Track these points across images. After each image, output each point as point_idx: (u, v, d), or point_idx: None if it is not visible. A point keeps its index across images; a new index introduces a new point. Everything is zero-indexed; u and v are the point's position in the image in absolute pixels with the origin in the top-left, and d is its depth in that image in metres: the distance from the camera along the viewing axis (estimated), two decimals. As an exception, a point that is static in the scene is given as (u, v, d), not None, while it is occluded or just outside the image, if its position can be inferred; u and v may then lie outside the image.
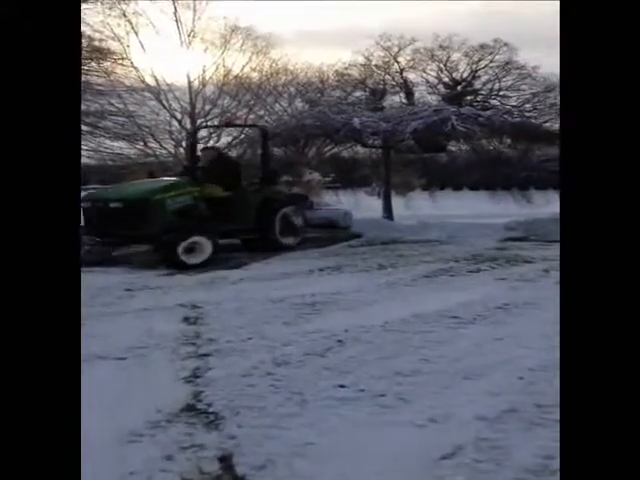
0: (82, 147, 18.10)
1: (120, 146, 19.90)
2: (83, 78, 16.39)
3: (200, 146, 13.59)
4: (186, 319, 5.76)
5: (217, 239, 9.36)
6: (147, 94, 19.54)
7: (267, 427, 3.39)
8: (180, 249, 8.83)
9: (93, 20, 17.28)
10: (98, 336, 5.10)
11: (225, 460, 3.05)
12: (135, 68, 19.52)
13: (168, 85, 20.32)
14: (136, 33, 19.51)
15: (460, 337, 5.07)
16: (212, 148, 12.40)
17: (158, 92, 20.15)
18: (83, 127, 17.31)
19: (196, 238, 9.09)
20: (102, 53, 17.16)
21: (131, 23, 19.35)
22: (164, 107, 20.63)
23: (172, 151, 21.71)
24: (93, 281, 7.70)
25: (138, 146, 20.36)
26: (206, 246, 9.14)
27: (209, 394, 3.86)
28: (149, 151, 20.85)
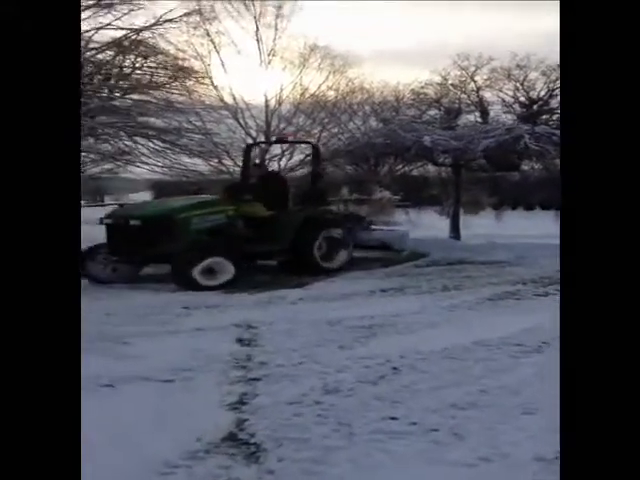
0: (158, 163, 18.37)
1: (195, 163, 20.14)
2: (166, 96, 16.63)
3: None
4: (239, 340, 5.63)
5: (240, 260, 8.97)
6: (225, 112, 19.77)
7: (309, 461, 3.22)
8: (197, 270, 8.48)
9: (177, 40, 17.56)
10: (146, 356, 5.05)
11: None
12: (215, 87, 19.81)
13: (245, 103, 20.56)
14: (218, 52, 19.83)
15: (522, 366, 4.81)
16: (260, 165, 12.00)
17: (235, 110, 20.38)
18: (161, 144, 17.53)
19: (216, 259, 8.71)
20: (185, 72, 17.36)
21: (214, 42, 19.65)
22: (240, 125, 20.86)
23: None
24: (149, 299, 7.72)
25: (212, 163, 20.59)
26: (226, 267, 8.73)
27: (253, 423, 3.71)
28: (223, 168, 21.07)
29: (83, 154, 22.41)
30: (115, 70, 15.31)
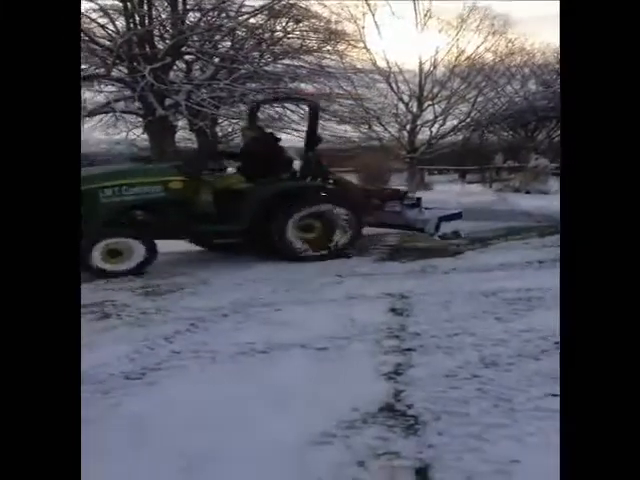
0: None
1: (345, 129, 20.13)
2: (317, 61, 16.66)
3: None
4: (392, 309, 5.55)
5: (153, 242, 7.60)
6: (377, 76, 19.65)
7: (469, 437, 3.09)
8: (96, 253, 7.27)
9: (331, 2, 17.55)
10: (300, 324, 5.06)
11: (421, 473, 2.80)
12: (368, 50, 19.70)
13: (398, 67, 20.36)
14: (372, 14, 19.68)
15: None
16: (251, 127, 9.62)
17: (388, 75, 20.22)
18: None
19: (119, 239, 7.46)
20: (338, 35, 17.33)
21: (369, 4, 19.54)
22: (392, 90, 20.69)
23: (396, 135, 21.74)
24: (299, 267, 7.74)
25: (363, 129, 20.54)
26: (135, 250, 7.49)
27: (409, 394, 3.61)
28: (373, 134, 21.00)
29: (233, 121, 22.92)
30: (266, 35, 15.44)
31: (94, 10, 14.45)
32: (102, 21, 14.52)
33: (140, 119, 16.09)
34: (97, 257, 7.26)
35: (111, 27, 14.55)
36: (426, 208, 9.77)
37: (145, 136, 16.53)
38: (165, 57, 14.22)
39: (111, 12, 14.60)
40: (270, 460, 2.88)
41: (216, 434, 3.14)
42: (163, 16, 15.37)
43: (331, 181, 9.27)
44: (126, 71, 14.38)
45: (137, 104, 14.78)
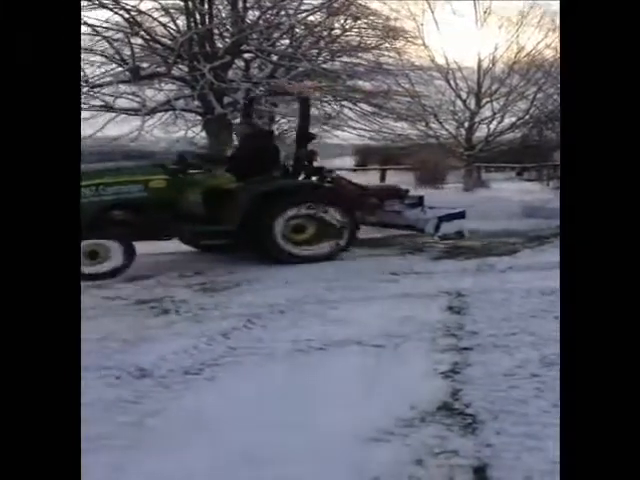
0: (365, 127, 18.42)
1: (402, 126, 20.03)
2: (375, 58, 16.61)
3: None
4: (449, 307, 5.52)
5: (131, 243, 7.36)
6: (435, 73, 19.52)
7: (527, 437, 3.06)
8: None
9: (391, -1, 17.50)
10: (356, 321, 5.07)
11: (479, 472, 2.78)
12: (426, 47, 19.60)
13: (457, 64, 20.22)
14: (432, 11, 19.57)
15: None
16: (245, 123, 9.22)
17: (446, 71, 20.09)
18: (368, 108, 17.52)
19: (95, 241, 7.16)
20: (396, 32, 17.25)
21: (428, 1, 19.43)
22: (450, 87, 20.55)
23: (453, 132, 21.56)
24: (356, 264, 7.75)
25: (420, 127, 20.42)
26: (113, 251, 7.26)
27: (467, 393, 3.59)
28: (430, 132, 20.86)
29: (291, 119, 23.02)
30: (325, 32, 15.47)
31: (156, 9, 14.64)
32: (164, 20, 14.68)
33: (199, 117, 16.24)
34: None
35: (172, 26, 14.71)
36: (430, 207, 9.40)
37: (204, 134, 16.69)
38: (225, 55, 14.31)
39: (172, 11, 14.76)
40: (327, 457, 2.89)
41: (273, 430, 3.16)
42: (223, 14, 15.48)
43: (328, 179, 9.06)
44: (186, 69, 14.53)
45: (196, 102, 14.92)
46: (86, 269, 6.89)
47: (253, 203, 7.77)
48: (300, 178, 8.66)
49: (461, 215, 9.31)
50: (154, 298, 6.12)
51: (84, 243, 6.84)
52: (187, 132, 17.24)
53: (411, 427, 3.18)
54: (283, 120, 24.17)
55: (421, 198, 9.46)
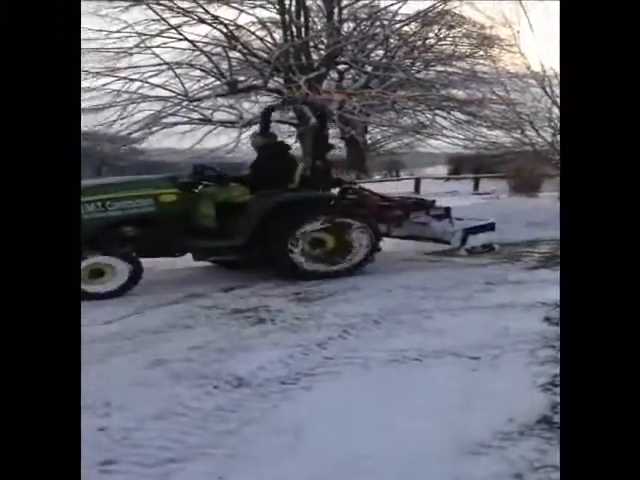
0: (459, 136, 18.28)
1: (497, 134, 19.77)
2: (469, 67, 16.49)
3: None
4: (547, 319, 5.39)
5: (138, 261, 7.05)
6: (531, 80, 19.19)
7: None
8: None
9: (485, 6, 17.39)
10: (451, 331, 5.03)
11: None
12: (522, 54, 19.31)
13: (554, 71, 19.83)
14: (527, 17, 19.28)
15: None
16: (262, 134, 8.73)
17: (542, 78, 19.73)
18: (462, 116, 17.42)
19: (101, 258, 6.89)
20: (490, 40, 17.09)
21: (523, 7, 19.14)
22: (547, 94, 20.14)
23: (549, 140, 21.12)
24: (448, 273, 7.66)
25: (515, 134, 20.10)
26: (119, 269, 6.94)
27: (567, 407, 3.52)
28: (525, 140, 20.48)
29: (384, 128, 23.05)
30: (418, 42, 15.45)
31: (253, 23, 14.96)
32: (260, 34, 14.98)
33: (293, 128, 16.45)
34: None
35: (269, 39, 14.99)
36: (457, 219, 8.91)
37: (297, 145, 16.90)
38: (320, 67, 14.50)
39: (269, 25, 15.04)
40: (426, 470, 2.88)
41: (371, 441, 3.16)
42: (318, 27, 15.68)
43: (350, 191, 8.70)
44: (281, 82, 14.77)
45: (291, 114, 15.12)
46: (90, 288, 6.68)
47: (265, 216, 7.42)
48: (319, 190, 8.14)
49: (490, 227, 8.88)
50: (250, 307, 6.20)
51: (89, 261, 6.74)
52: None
53: (510, 440, 3.13)
54: (376, 130, 24.20)
55: (448, 209, 8.93)
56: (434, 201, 9.16)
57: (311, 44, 15.27)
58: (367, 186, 9.88)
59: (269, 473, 2.90)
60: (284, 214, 7.44)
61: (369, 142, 28.63)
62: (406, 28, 15.32)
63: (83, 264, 6.57)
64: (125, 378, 4.22)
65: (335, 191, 8.50)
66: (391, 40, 15.46)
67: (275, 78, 14.90)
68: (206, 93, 14.33)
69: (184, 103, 14.45)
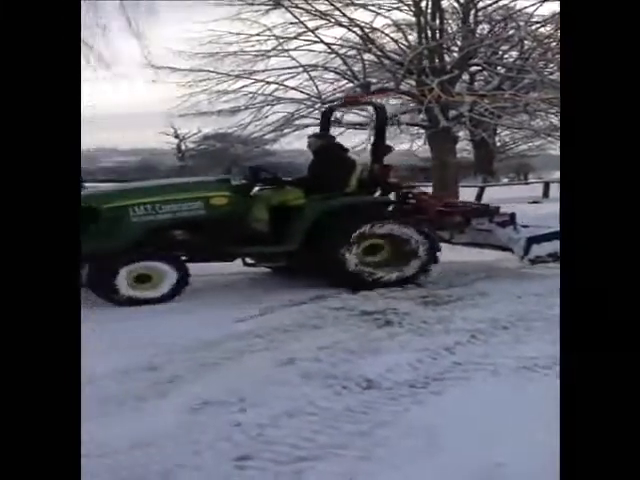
0: None
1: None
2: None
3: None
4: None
5: (185, 266, 6.86)
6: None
7: None
8: (122, 278, 6.52)
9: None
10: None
11: None
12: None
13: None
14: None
15: None
16: (320, 135, 8.32)
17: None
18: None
19: (149, 263, 6.72)
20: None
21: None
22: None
23: None
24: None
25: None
26: (167, 275, 6.73)
27: None
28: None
29: (514, 131, 22.53)
30: (553, 44, 15.07)
31: (388, 26, 15.00)
32: (395, 36, 14.99)
33: (422, 130, 16.38)
34: (123, 282, 6.53)
35: (403, 42, 14.98)
36: (523, 226, 8.35)
37: (426, 147, 16.80)
38: (453, 69, 14.40)
39: (404, 27, 15.04)
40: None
41: (505, 449, 3.15)
42: (453, 29, 15.56)
43: (409, 196, 8.26)
44: (413, 84, 14.74)
45: (421, 116, 15.07)
46: (135, 293, 6.60)
47: (319, 221, 7.17)
48: (376, 195, 7.84)
49: (556, 235, 7.98)
50: (378, 310, 6.24)
51: (135, 266, 6.64)
52: (411, 145, 17.42)
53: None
54: (505, 132, 23.73)
55: (513, 216, 8.41)
56: (498, 207, 8.77)
57: (444, 46, 15.16)
58: (494, 189, 9.60)
59: (402, 477, 2.93)
60: (339, 219, 7.19)
61: (497, 144, 28.12)
62: (541, 30, 14.97)
63: (129, 268, 6.55)
64: (258, 375, 4.34)
65: (391, 196, 8.11)
66: (525, 42, 15.14)
67: (407, 80, 14.87)
68: (338, 95, 14.46)
69: (317, 105, 14.63)
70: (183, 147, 34.01)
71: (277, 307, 6.42)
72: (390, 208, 7.83)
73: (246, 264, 7.67)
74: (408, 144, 17.32)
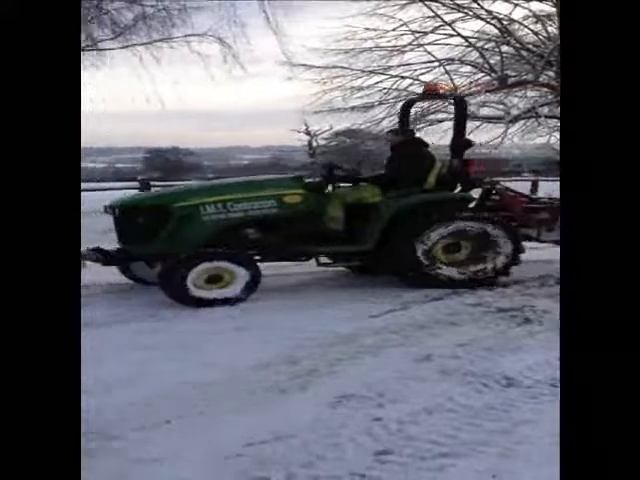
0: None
1: None
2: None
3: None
4: None
5: (257, 266, 6.61)
6: None
7: None
8: (193, 278, 6.34)
9: None
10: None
11: None
12: None
13: None
14: None
15: None
16: (398, 130, 8.11)
17: None
18: None
19: (220, 264, 6.47)
20: None
21: None
22: None
23: None
24: None
25: None
26: (238, 274, 6.47)
27: None
28: None
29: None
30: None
31: (527, 17, 14.63)
32: (534, 28, 14.61)
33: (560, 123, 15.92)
34: (193, 282, 6.37)
35: (543, 33, 14.57)
36: None
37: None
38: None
39: (543, 18, 14.63)
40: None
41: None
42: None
43: (492, 192, 7.83)
44: (552, 75, 14.33)
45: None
46: (206, 294, 6.41)
47: (395, 219, 6.99)
48: (456, 191, 7.55)
49: None
50: (514, 307, 6.13)
51: (207, 265, 6.46)
52: (549, 138, 16.92)
53: None
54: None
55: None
56: None
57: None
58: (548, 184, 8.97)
59: (545, 476, 2.87)
60: (416, 216, 7.04)
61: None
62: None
63: (200, 269, 6.40)
64: (395, 371, 4.35)
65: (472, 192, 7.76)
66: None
67: (546, 72, 14.46)
68: (475, 89, 14.21)
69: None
70: (314, 144, 34.39)
71: (411, 303, 6.38)
72: (471, 205, 7.56)
73: (320, 264, 7.44)
74: (546, 137, 16.83)
